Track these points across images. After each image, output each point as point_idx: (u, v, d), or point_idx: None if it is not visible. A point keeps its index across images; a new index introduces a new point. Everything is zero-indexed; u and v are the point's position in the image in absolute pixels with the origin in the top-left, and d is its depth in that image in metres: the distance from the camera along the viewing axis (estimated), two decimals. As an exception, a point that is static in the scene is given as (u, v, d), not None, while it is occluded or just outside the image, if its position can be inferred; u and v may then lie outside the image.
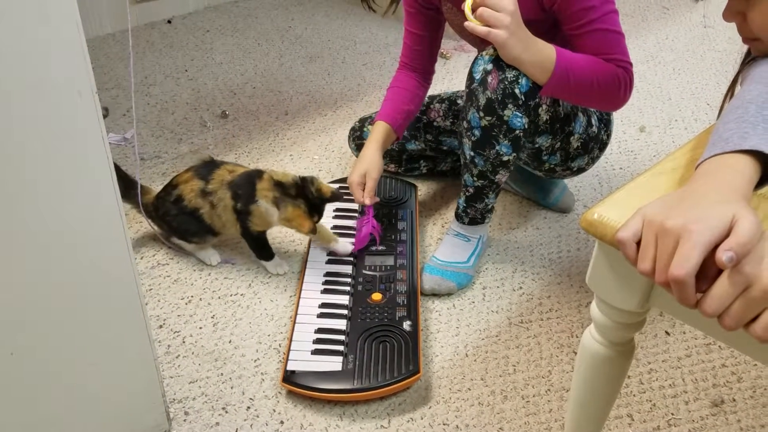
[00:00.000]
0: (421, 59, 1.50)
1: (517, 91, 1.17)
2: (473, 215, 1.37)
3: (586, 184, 1.72)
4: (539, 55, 1.15)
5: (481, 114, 1.20)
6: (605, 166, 1.78)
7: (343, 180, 1.62)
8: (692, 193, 0.57)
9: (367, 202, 1.39)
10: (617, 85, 1.20)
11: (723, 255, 0.51)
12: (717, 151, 0.60)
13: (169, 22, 2.56)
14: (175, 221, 1.36)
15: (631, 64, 1.22)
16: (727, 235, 0.52)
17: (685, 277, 0.52)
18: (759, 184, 0.60)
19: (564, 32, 1.23)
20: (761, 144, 0.58)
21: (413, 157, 1.66)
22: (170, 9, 2.59)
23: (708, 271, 0.53)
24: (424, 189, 1.68)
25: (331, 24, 2.62)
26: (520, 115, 1.19)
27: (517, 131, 1.21)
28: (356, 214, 1.50)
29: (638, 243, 0.58)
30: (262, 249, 1.38)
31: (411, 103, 1.49)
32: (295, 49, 2.40)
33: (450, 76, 2.24)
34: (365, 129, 1.62)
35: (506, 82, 1.17)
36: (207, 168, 1.35)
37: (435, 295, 1.36)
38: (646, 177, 0.72)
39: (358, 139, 1.63)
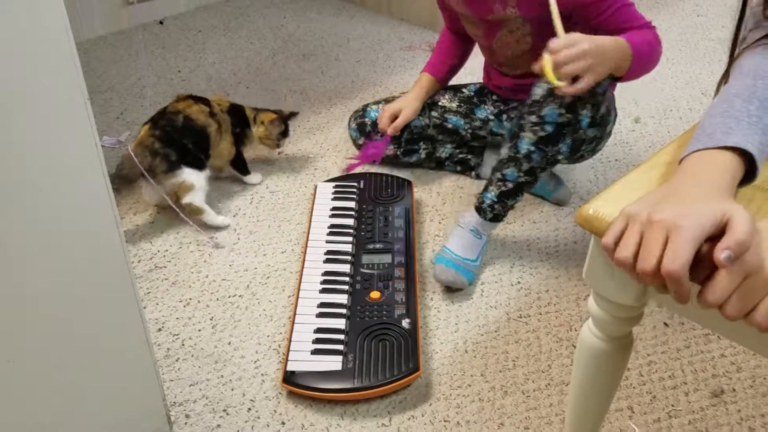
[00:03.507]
0: (460, 26, 1.59)
1: (599, 89, 1.23)
2: (499, 211, 1.36)
3: (582, 177, 1.72)
4: (618, 52, 1.19)
5: (562, 111, 1.23)
6: (601, 158, 1.78)
7: (339, 179, 1.62)
8: (676, 190, 0.57)
9: (389, 132, 1.57)
10: (658, 43, 1.29)
11: (721, 254, 0.51)
12: (700, 147, 0.60)
13: (161, 22, 2.55)
14: (191, 142, 1.49)
15: (651, 23, 1.32)
16: (717, 231, 0.52)
17: (680, 271, 0.52)
18: (742, 182, 0.60)
19: (585, 24, 1.30)
20: (744, 141, 0.58)
21: (414, 137, 1.66)
22: (162, 10, 2.58)
23: (698, 264, 0.53)
24: (420, 185, 1.68)
25: (324, 21, 2.61)
26: (590, 114, 1.25)
27: (581, 130, 1.27)
28: (352, 212, 1.50)
29: None
30: (243, 166, 1.66)
31: (455, 58, 1.65)
32: (287, 48, 2.39)
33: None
34: (368, 109, 1.69)
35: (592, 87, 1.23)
36: (199, 98, 1.56)
37: (448, 288, 1.35)
38: (641, 170, 0.72)
39: (359, 118, 1.68)
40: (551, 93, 1.22)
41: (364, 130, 1.67)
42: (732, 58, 0.78)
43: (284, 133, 1.66)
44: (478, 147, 1.70)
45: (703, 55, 2.35)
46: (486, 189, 1.36)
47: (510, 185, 1.32)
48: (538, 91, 1.25)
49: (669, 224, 0.53)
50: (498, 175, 1.33)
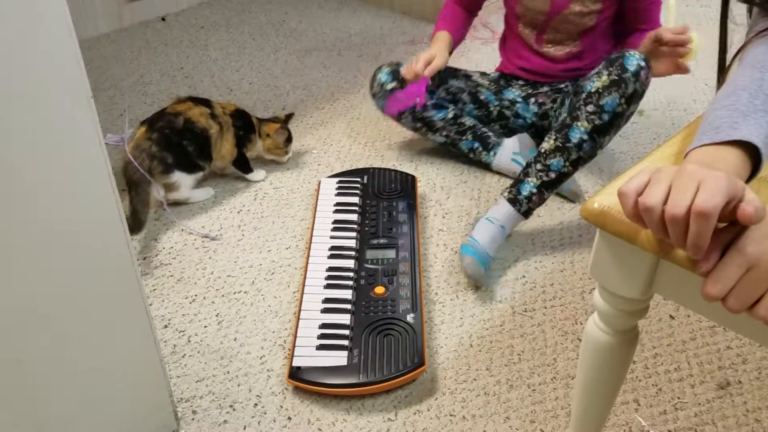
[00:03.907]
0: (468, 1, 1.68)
1: (648, 81, 1.34)
2: (534, 204, 1.37)
3: (587, 169, 1.71)
4: None
5: (622, 101, 1.29)
6: (605, 151, 1.77)
7: (341, 174, 1.62)
8: None
9: (426, 73, 1.51)
10: None
11: (749, 205, 0.50)
12: (706, 141, 0.59)
13: (163, 19, 2.55)
14: (191, 144, 1.51)
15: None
16: (732, 204, 0.52)
17: (712, 211, 0.50)
18: (750, 177, 0.59)
19: (632, 9, 1.48)
20: (751, 135, 0.58)
21: (447, 96, 1.67)
22: (164, 6, 2.58)
23: (712, 246, 0.53)
24: (423, 180, 1.68)
25: (325, 16, 2.60)
26: (635, 107, 1.34)
27: (622, 126, 1.35)
28: (356, 208, 1.50)
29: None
30: (246, 165, 1.66)
31: (464, 27, 1.68)
32: (289, 43, 2.39)
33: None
34: (401, 63, 1.65)
35: (647, 84, 1.32)
36: (200, 99, 1.58)
37: (475, 285, 1.35)
38: (646, 163, 0.71)
39: (393, 66, 1.65)
40: (613, 83, 1.29)
41: (397, 75, 1.63)
42: (722, 53, 0.78)
43: (289, 139, 1.68)
44: (498, 130, 1.71)
45: (706, 46, 2.33)
46: (522, 181, 1.37)
47: (553, 175, 1.34)
48: (597, 84, 1.31)
49: (701, 174, 0.52)
50: (539, 165, 1.35)
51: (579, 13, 1.50)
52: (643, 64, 1.30)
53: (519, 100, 1.66)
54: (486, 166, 1.70)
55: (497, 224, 1.37)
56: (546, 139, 1.37)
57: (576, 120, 1.32)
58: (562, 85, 1.63)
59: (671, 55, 1.29)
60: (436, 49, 1.57)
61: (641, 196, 0.54)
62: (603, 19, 1.51)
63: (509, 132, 1.71)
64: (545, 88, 1.64)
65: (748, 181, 0.59)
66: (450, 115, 1.66)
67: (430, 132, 1.68)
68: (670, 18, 1.31)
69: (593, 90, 1.31)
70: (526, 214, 1.39)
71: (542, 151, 1.37)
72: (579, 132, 1.31)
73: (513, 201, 1.37)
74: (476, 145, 1.66)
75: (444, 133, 1.67)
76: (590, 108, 1.31)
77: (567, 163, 1.34)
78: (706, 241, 0.52)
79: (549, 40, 1.59)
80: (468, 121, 1.67)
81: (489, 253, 1.35)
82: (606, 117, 1.30)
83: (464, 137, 1.67)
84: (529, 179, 1.36)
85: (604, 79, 1.30)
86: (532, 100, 1.64)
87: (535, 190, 1.36)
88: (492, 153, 1.66)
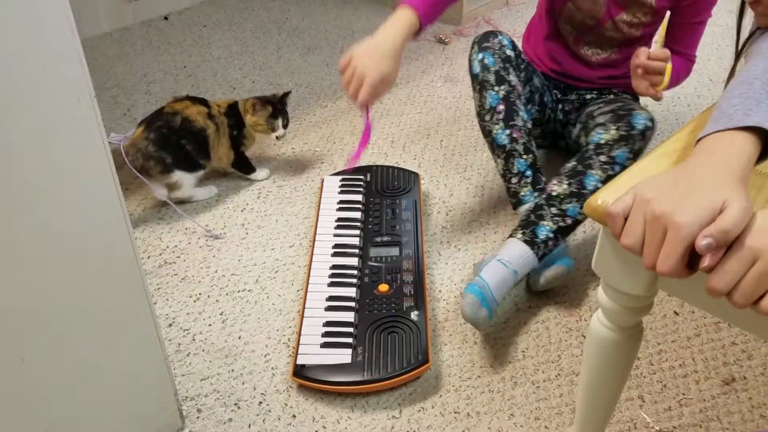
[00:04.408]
0: None
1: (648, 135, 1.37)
2: (551, 248, 1.29)
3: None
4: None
5: (631, 155, 1.31)
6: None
7: (346, 172, 1.62)
8: (687, 174, 0.57)
9: (369, 103, 1.22)
10: (686, 75, 1.49)
11: (701, 241, 0.52)
12: (719, 128, 0.59)
13: (165, 18, 2.55)
14: (189, 143, 1.51)
15: (695, 57, 1.49)
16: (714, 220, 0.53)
17: (669, 271, 0.54)
18: (759, 160, 0.59)
19: (680, 21, 1.44)
20: (764, 121, 0.58)
21: (531, 91, 1.51)
22: (166, 5, 2.58)
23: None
24: (427, 177, 1.68)
25: (328, 14, 2.60)
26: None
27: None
28: (359, 205, 1.50)
29: (627, 218, 0.58)
30: (247, 166, 1.66)
31: (439, 4, 1.29)
32: (292, 41, 2.39)
33: (450, 61, 2.23)
34: (497, 34, 1.45)
35: (649, 142, 1.35)
36: (197, 99, 1.57)
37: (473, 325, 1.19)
38: (650, 159, 0.71)
39: (496, 46, 1.42)
40: (622, 138, 1.30)
41: (515, 47, 1.46)
42: (738, 45, 0.78)
43: (273, 115, 1.60)
44: (537, 135, 1.61)
45: (710, 42, 2.33)
46: (536, 224, 1.28)
47: (569, 221, 1.28)
48: (605, 137, 1.31)
49: (668, 219, 0.54)
50: (554, 209, 1.28)
51: (627, 23, 1.45)
52: (649, 124, 1.32)
53: (554, 103, 1.61)
54: (511, 194, 1.41)
55: (511, 268, 1.22)
56: (556, 182, 1.30)
57: (590, 168, 1.29)
58: (589, 96, 1.58)
59: (645, 76, 1.27)
60: (391, 66, 1.20)
61: (621, 236, 0.58)
62: (647, 32, 1.47)
63: (543, 139, 1.65)
64: (573, 96, 1.59)
65: (758, 162, 0.59)
66: (529, 125, 1.43)
67: (502, 122, 1.38)
68: (660, 32, 1.30)
69: (602, 142, 1.30)
70: (542, 259, 1.28)
71: (554, 194, 1.29)
72: (594, 180, 1.29)
73: (531, 243, 1.25)
74: (529, 173, 1.38)
75: (514, 135, 1.38)
76: (603, 158, 1.30)
77: (581, 210, 1.28)
78: (683, 277, 0.56)
79: (588, 42, 1.52)
80: (534, 145, 1.42)
81: (496, 297, 1.19)
82: (617, 168, 1.29)
83: (525, 156, 1.39)
84: (545, 223, 1.27)
85: (613, 133, 1.30)
86: (560, 106, 1.60)
87: (551, 236, 1.27)
88: (533, 197, 1.38)
